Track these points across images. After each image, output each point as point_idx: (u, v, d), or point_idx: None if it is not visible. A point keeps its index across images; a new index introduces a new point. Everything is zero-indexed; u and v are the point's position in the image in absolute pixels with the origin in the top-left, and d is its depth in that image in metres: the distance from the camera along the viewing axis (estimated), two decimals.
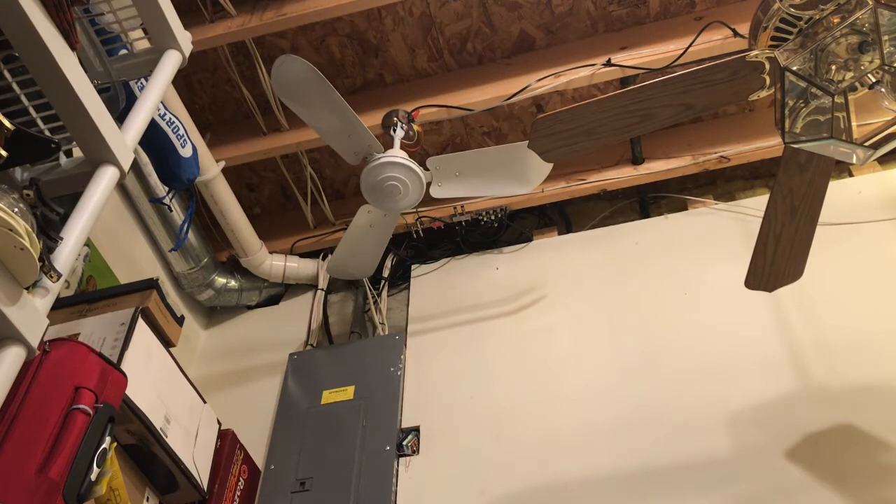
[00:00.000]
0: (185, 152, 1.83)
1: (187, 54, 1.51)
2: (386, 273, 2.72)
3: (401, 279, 2.74)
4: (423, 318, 2.54)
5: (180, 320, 1.94)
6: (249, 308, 2.82)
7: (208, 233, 2.67)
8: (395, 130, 2.22)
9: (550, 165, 2.07)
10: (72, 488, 1.26)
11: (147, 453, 1.74)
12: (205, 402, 2.02)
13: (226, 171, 2.47)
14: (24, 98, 1.22)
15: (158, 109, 1.77)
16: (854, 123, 1.29)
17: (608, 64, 2.29)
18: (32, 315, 1.01)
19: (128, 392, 1.55)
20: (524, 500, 1.96)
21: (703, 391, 2.02)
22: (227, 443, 2.06)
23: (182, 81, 2.56)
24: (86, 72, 1.17)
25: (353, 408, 2.27)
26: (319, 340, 2.62)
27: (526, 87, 2.32)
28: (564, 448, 2.02)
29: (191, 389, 1.97)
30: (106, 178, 1.19)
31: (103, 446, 1.36)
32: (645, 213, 2.70)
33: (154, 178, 2.32)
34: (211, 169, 2.41)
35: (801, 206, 1.52)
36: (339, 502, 2.05)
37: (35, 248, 0.96)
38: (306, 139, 2.45)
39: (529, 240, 2.69)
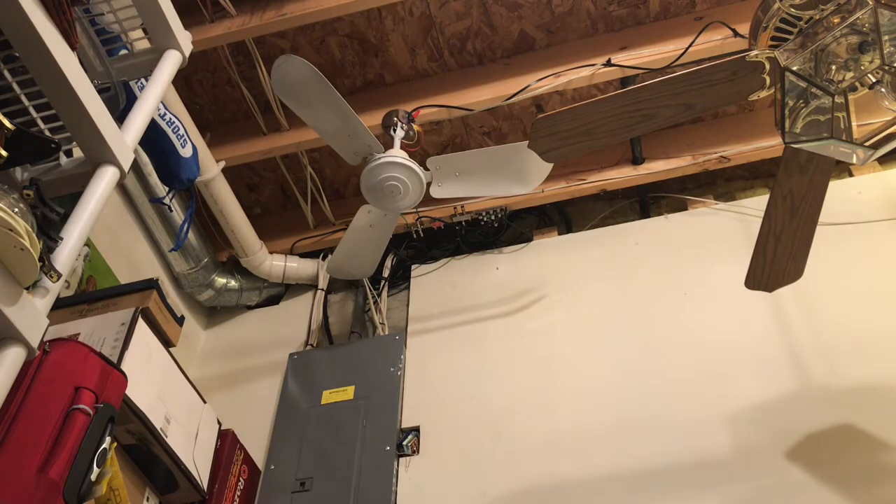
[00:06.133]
0: (185, 152, 1.83)
1: (187, 54, 1.51)
2: (386, 273, 2.72)
3: (401, 279, 2.74)
4: (423, 318, 2.54)
5: (180, 320, 1.94)
6: (249, 308, 2.82)
7: (208, 233, 2.67)
8: (395, 130, 2.22)
9: (550, 165, 2.07)
10: (72, 488, 1.26)
11: (147, 453, 1.74)
12: (205, 402, 2.02)
13: (226, 171, 2.48)
14: (24, 98, 1.23)
15: (158, 109, 1.77)
16: (854, 123, 1.29)
17: (608, 64, 2.29)
18: (32, 315, 1.01)
19: (128, 392, 1.55)
20: (524, 500, 1.96)
21: (703, 391, 2.02)
22: (227, 443, 2.06)
23: (182, 81, 2.56)
24: (86, 72, 1.17)
25: (353, 408, 2.27)
26: (319, 340, 2.62)
27: (526, 87, 2.32)
28: (564, 448, 2.02)
29: (191, 389, 1.97)
30: (106, 178, 1.19)
31: (103, 446, 1.36)
32: (645, 213, 2.70)
33: (154, 178, 2.32)
34: (211, 169, 2.41)
35: (801, 206, 1.52)
36: (339, 502, 2.05)
37: (35, 248, 0.96)
38: (306, 139, 2.45)
39: (529, 240, 2.69)
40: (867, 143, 1.28)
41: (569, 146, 1.42)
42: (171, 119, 1.81)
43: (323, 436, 2.23)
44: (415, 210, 2.56)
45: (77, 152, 1.24)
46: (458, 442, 2.14)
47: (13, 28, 1.06)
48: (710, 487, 1.84)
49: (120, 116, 1.36)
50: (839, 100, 1.26)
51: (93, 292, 2.08)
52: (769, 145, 2.45)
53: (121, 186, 2.35)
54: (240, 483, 2.07)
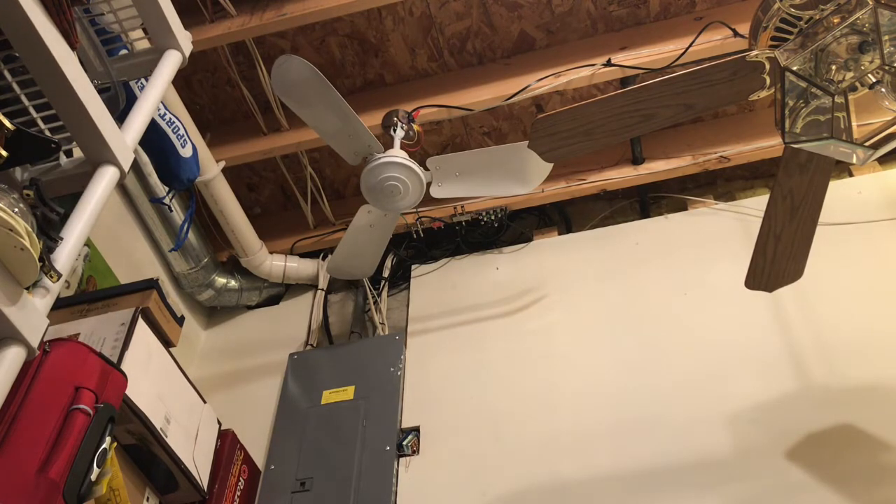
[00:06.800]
0: (185, 152, 1.83)
1: (187, 54, 1.51)
2: (386, 273, 2.72)
3: (401, 279, 2.74)
4: (423, 318, 2.54)
5: (180, 320, 1.94)
6: (249, 308, 2.82)
7: (208, 233, 2.67)
8: (395, 130, 2.22)
9: (550, 165, 2.07)
10: (72, 488, 1.26)
11: (147, 453, 1.74)
12: (205, 402, 2.02)
13: (226, 171, 2.48)
14: (24, 98, 1.23)
15: (158, 109, 1.77)
16: (854, 123, 1.29)
17: (608, 64, 2.29)
18: (32, 315, 1.01)
19: (128, 392, 1.55)
20: (524, 501, 1.96)
21: (703, 391, 2.02)
22: (227, 443, 2.06)
23: (182, 81, 2.56)
24: (86, 72, 1.17)
25: (353, 408, 2.27)
26: (319, 340, 2.62)
27: (526, 87, 2.32)
28: (564, 448, 2.02)
29: (191, 389, 1.97)
30: (106, 178, 1.19)
31: (103, 446, 1.36)
32: (645, 213, 2.70)
33: (154, 178, 2.32)
34: (211, 169, 2.41)
35: (801, 206, 1.52)
36: (339, 502, 2.05)
37: (35, 248, 0.96)
38: (306, 139, 2.45)
39: (529, 240, 2.69)
40: (867, 143, 1.28)
41: (569, 146, 1.42)
42: (171, 119, 1.80)
43: (323, 436, 2.23)
44: (415, 210, 2.56)
45: (77, 152, 1.24)
46: (458, 442, 2.14)
47: (13, 28, 1.06)
48: (710, 487, 1.84)
49: (120, 116, 1.36)
50: (839, 100, 1.26)
51: (93, 292, 2.08)
52: (769, 145, 2.45)
53: (121, 186, 2.35)
54: (240, 483, 2.07)
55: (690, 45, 2.24)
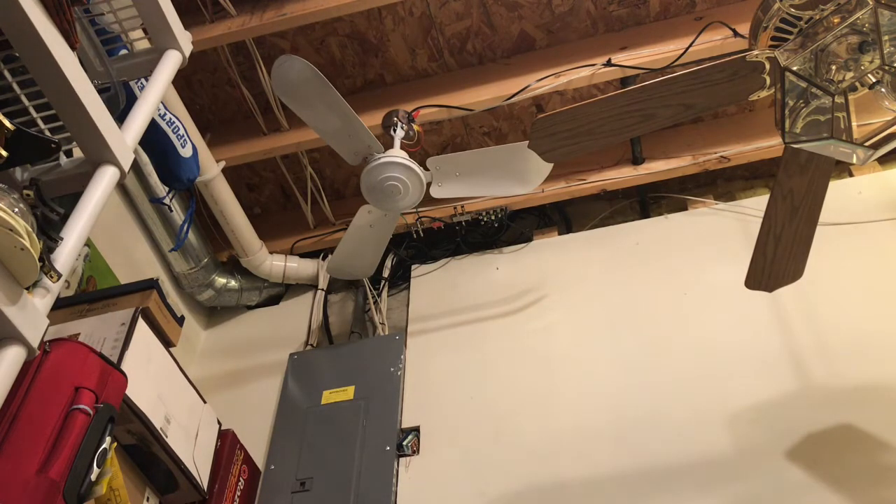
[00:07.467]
0: (185, 152, 1.83)
1: (187, 54, 1.51)
2: (386, 273, 2.72)
3: (401, 279, 2.74)
4: (423, 318, 2.54)
5: (180, 320, 1.94)
6: (249, 308, 2.82)
7: (208, 233, 2.67)
8: (395, 130, 2.22)
9: (550, 165, 2.07)
10: (72, 488, 1.26)
11: (147, 453, 1.74)
12: (205, 402, 2.02)
13: (226, 171, 2.48)
14: (24, 98, 1.23)
15: (158, 109, 1.77)
16: (854, 123, 1.29)
17: (608, 64, 2.29)
18: (32, 315, 1.01)
19: (128, 392, 1.55)
20: (524, 500, 1.96)
21: (703, 391, 2.02)
22: (227, 443, 2.06)
23: (182, 81, 2.56)
24: (86, 72, 1.17)
25: (353, 408, 2.27)
26: (319, 340, 2.62)
27: (526, 87, 2.32)
28: (564, 448, 2.02)
29: (191, 389, 1.97)
30: (106, 178, 1.19)
31: (103, 446, 1.36)
32: (645, 213, 2.70)
33: (154, 178, 2.32)
34: (211, 169, 2.41)
35: (801, 207, 1.52)
36: (339, 502, 2.05)
37: (35, 248, 0.96)
38: (306, 139, 2.45)
39: (529, 240, 2.69)
40: (867, 143, 1.28)
41: (569, 146, 1.42)
42: (171, 119, 1.80)
43: (323, 436, 2.23)
44: (415, 210, 2.56)
45: (77, 152, 1.24)
46: (458, 442, 2.14)
47: (13, 28, 1.06)
48: (710, 487, 1.84)
49: (120, 116, 1.36)
50: (839, 100, 1.26)
51: (93, 292, 2.08)
52: (769, 145, 2.45)
53: (121, 186, 2.35)
54: (240, 483, 2.07)
55: (690, 45, 2.24)
